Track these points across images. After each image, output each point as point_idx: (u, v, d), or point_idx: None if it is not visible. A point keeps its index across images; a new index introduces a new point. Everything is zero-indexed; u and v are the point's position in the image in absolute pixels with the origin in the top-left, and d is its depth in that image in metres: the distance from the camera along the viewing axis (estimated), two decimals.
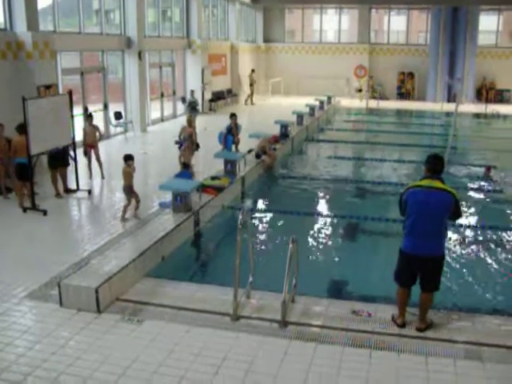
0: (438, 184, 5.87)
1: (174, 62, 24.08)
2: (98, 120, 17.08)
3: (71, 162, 11.68)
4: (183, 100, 24.49)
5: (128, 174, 9.89)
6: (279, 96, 32.49)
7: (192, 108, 20.09)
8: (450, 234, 9.63)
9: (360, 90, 31.58)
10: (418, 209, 5.87)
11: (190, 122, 13.41)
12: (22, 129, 10.44)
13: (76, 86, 16.39)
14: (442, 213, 5.86)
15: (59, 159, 11.31)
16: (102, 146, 14.47)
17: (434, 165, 5.98)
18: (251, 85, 29.66)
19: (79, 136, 12.61)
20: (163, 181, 11.12)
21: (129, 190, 9.89)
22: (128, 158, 9.98)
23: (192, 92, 21.68)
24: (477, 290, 7.75)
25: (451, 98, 30.64)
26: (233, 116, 14.85)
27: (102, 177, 12.74)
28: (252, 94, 29.37)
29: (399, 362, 5.54)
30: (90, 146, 12.77)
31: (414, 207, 5.91)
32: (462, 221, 10.45)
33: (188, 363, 5.47)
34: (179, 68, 24.72)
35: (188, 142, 12.35)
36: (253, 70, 30.35)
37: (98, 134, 12.94)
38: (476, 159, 17.09)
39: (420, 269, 5.99)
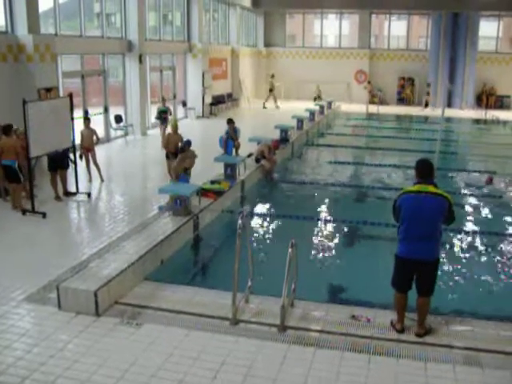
0: (431, 188, 5.89)
1: (175, 66, 24.12)
2: (99, 123, 17.13)
3: (71, 165, 11.68)
4: (184, 104, 24.56)
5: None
6: (279, 100, 32.49)
7: (161, 118, 17.78)
8: (449, 239, 9.67)
9: (318, 97, 31.02)
10: (411, 214, 5.89)
11: (176, 129, 12.77)
12: (9, 130, 10.46)
13: (77, 89, 16.40)
14: (436, 217, 5.88)
15: (59, 162, 11.30)
16: (102, 149, 14.55)
17: (423, 169, 6.00)
18: (271, 90, 29.80)
19: (78, 139, 12.61)
20: (163, 184, 11.15)
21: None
22: (181, 151, 11.01)
23: (164, 100, 18.89)
24: (476, 296, 7.75)
25: (451, 103, 30.70)
26: (230, 122, 14.87)
27: (101, 180, 12.75)
28: (273, 98, 29.59)
29: (398, 368, 5.53)
30: (86, 149, 12.76)
31: (407, 212, 5.92)
32: (461, 226, 10.48)
33: (186, 367, 5.46)
34: (180, 72, 24.76)
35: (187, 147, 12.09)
36: (272, 75, 30.44)
37: (95, 137, 12.94)
38: (475, 165, 17.14)
39: (415, 273, 6.00)
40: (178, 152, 11.59)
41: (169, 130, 13.94)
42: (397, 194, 6.17)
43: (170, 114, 18.53)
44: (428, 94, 31.32)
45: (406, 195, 6.00)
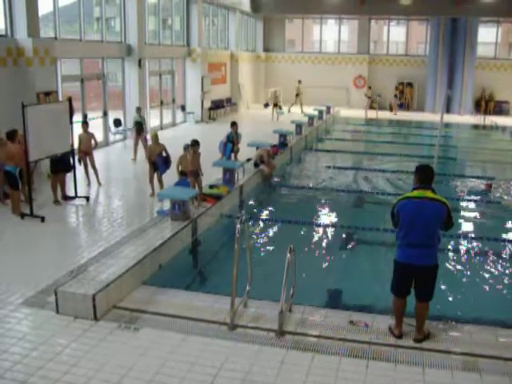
0: (429, 194, 5.89)
1: (174, 70, 24.14)
2: (98, 127, 17.12)
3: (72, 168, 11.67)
4: (182, 108, 24.57)
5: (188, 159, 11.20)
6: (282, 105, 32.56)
7: (138, 129, 16.11)
8: (447, 244, 9.68)
9: (276, 105, 27.24)
10: (410, 220, 5.89)
11: (156, 139, 12.10)
12: (13, 136, 10.46)
13: (76, 93, 16.40)
14: (435, 223, 5.88)
15: (62, 164, 11.26)
16: (100, 153, 14.55)
17: (424, 175, 6.00)
18: (297, 95, 29.82)
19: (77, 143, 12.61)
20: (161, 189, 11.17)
21: (190, 174, 11.09)
22: (194, 144, 11.27)
23: (138, 109, 16.96)
24: (474, 301, 7.75)
25: (450, 109, 30.79)
26: (234, 124, 14.91)
27: (99, 184, 12.74)
28: (300, 103, 29.59)
29: (396, 373, 5.53)
30: (84, 153, 12.74)
31: (406, 218, 5.92)
32: (459, 231, 10.49)
33: (184, 372, 5.45)
34: (179, 76, 24.79)
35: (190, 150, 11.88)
36: (299, 81, 30.51)
37: (93, 141, 12.92)
38: (474, 171, 17.17)
39: (414, 278, 6.00)
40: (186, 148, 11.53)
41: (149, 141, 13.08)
42: (395, 200, 6.17)
43: (145, 125, 16.79)
44: (396, 96, 31.46)
45: (404, 201, 5.99)
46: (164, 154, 12.01)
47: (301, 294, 6.96)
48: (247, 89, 31.60)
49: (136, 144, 15.99)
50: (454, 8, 28.88)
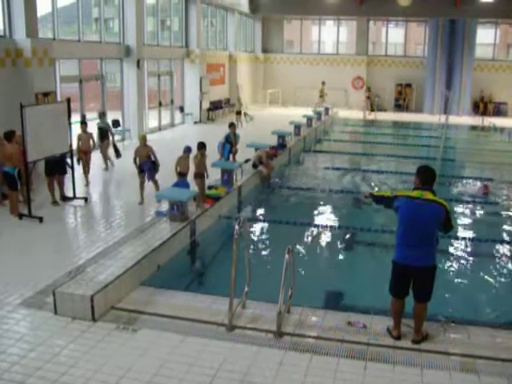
0: (429, 195, 5.89)
1: (173, 71, 24.15)
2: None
3: (68, 170, 11.66)
4: (181, 109, 24.57)
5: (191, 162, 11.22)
6: (277, 106, 32.57)
7: (101, 134, 14.69)
8: (446, 246, 9.68)
9: (239, 113, 24.88)
10: (409, 220, 5.89)
11: (145, 141, 11.63)
12: (11, 136, 10.45)
13: (74, 93, 16.40)
14: (433, 224, 5.88)
15: (56, 167, 11.28)
16: (99, 153, 14.51)
17: (426, 177, 6.01)
18: (321, 96, 29.90)
19: (76, 143, 12.61)
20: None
21: (196, 177, 11.08)
22: (201, 147, 11.15)
23: (102, 114, 15.68)
24: (473, 303, 7.76)
25: (448, 110, 30.84)
26: (232, 125, 14.92)
27: (86, 183, 12.72)
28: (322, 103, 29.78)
29: (394, 374, 5.53)
30: (84, 152, 12.71)
31: (404, 218, 5.92)
32: (458, 233, 10.49)
33: (182, 373, 5.44)
34: (177, 77, 24.79)
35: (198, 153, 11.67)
36: (323, 83, 30.53)
37: (91, 141, 12.89)
38: (472, 172, 17.18)
39: (412, 279, 6.00)
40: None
41: (138, 145, 12.14)
42: (398, 191, 6.14)
43: (112, 134, 15.05)
44: (368, 97, 31.49)
45: (405, 199, 5.97)
46: (152, 158, 11.65)
47: (299, 295, 6.95)
48: (246, 90, 31.61)
49: (104, 151, 14.74)
50: (453, 9, 28.97)
